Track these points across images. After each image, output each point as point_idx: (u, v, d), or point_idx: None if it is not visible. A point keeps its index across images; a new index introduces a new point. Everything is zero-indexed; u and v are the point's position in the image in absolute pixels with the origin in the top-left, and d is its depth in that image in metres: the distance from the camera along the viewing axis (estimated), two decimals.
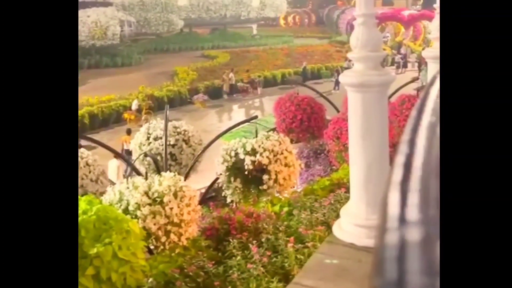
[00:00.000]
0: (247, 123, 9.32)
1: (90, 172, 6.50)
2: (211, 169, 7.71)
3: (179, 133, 8.14)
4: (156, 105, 19.11)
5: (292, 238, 4.79)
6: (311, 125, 9.82)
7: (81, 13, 29.83)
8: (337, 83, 23.44)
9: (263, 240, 4.83)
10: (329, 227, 5.12)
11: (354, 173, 4.80)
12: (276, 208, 5.95)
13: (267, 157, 6.62)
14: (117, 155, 7.27)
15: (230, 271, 4.27)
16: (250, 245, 4.61)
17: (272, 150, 6.68)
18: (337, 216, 5.30)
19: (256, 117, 7.89)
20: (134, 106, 18.19)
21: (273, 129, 9.43)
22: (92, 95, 20.10)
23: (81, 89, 24.10)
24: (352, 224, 4.69)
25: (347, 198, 5.56)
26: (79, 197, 4.47)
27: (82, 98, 19.46)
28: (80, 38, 29.51)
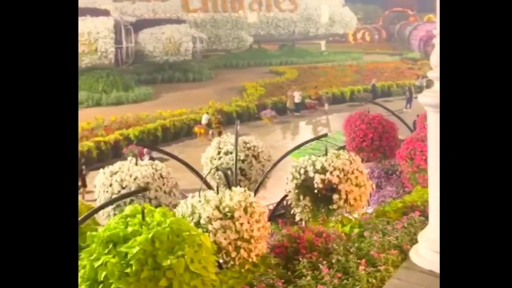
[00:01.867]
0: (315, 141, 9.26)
1: (164, 184, 6.70)
2: (279, 186, 7.70)
3: (249, 149, 8.22)
4: (225, 120, 19.46)
5: (363, 260, 4.67)
6: (382, 144, 9.59)
7: (156, 30, 31.10)
8: (408, 101, 22.78)
9: (333, 261, 4.74)
10: (402, 251, 4.95)
11: (433, 197, 4.62)
12: (346, 228, 5.83)
13: (338, 176, 6.53)
14: (189, 168, 7.44)
15: None
16: (321, 266, 4.54)
17: (343, 169, 6.58)
18: (411, 240, 5.11)
19: (326, 135, 7.81)
20: (204, 121, 18.63)
21: (342, 147, 9.30)
22: (165, 108, 20.81)
23: (154, 103, 25.06)
24: (431, 251, 4.50)
25: (422, 222, 5.36)
26: (153, 208, 4.61)
27: (156, 111, 20.19)
28: (154, 54, 30.73)
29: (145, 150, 13.08)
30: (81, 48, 26.08)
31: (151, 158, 11.57)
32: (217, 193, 5.48)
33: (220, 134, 14.52)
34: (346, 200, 6.50)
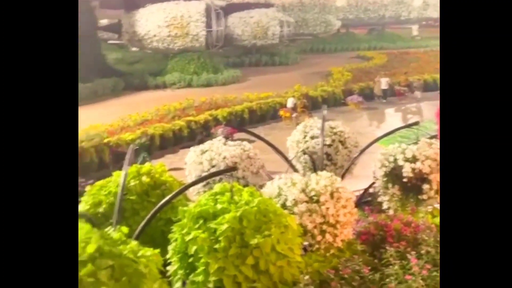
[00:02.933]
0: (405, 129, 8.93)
1: (251, 164, 6.83)
2: (365, 173, 7.54)
3: (335, 134, 8.12)
4: (311, 104, 19.35)
5: None
6: None
7: (245, 14, 31.42)
8: None
9: (422, 252, 4.59)
10: None
11: None
12: (437, 220, 5.61)
13: (429, 165, 6.27)
14: (275, 150, 7.50)
15: (387, 280, 4.14)
16: (409, 256, 4.42)
17: (435, 159, 6.31)
18: None
19: (417, 123, 7.49)
20: (289, 104, 18.64)
21: (434, 137, 8.90)
22: (252, 91, 21.09)
23: (242, 85, 25.48)
24: None
25: None
26: (242, 187, 4.70)
27: (243, 94, 20.53)
28: (243, 37, 31.13)
29: (222, 131, 13.32)
30: (174, 31, 27.04)
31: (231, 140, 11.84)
32: (303, 176, 5.48)
33: (307, 116, 14.47)
34: (437, 191, 6.24)
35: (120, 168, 5.44)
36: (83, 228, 3.58)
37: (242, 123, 17.72)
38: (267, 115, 18.98)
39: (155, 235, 4.92)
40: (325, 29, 40.18)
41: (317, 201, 5.09)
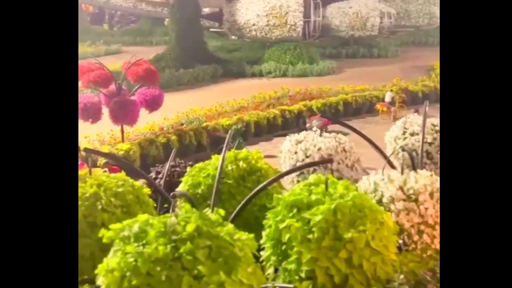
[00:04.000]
0: None
1: (346, 158, 6.72)
2: None
3: (437, 132, 7.74)
4: (410, 99, 18.60)
5: None
6: None
7: (344, 4, 30.77)
8: None
9: None
10: None
11: None
12: None
13: None
14: (373, 145, 7.31)
15: None
16: None
17: None
18: None
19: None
20: (387, 98, 18.04)
21: None
22: (347, 83, 20.70)
23: (337, 77, 25.11)
24: None
25: None
26: (336, 180, 4.65)
27: (338, 85, 20.23)
28: (340, 28, 30.57)
29: (317, 122, 13.20)
30: (272, 21, 27.26)
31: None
32: (402, 173, 5.30)
33: (404, 112, 13.94)
34: None
35: (217, 152, 5.61)
36: (183, 207, 3.74)
37: (336, 115, 17.47)
38: (362, 108, 18.53)
39: (249, 219, 5.03)
40: (429, 21, 38.20)
41: (415, 200, 4.90)
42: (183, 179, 5.57)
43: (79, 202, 4.38)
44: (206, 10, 34.91)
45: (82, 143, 11.92)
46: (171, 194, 3.93)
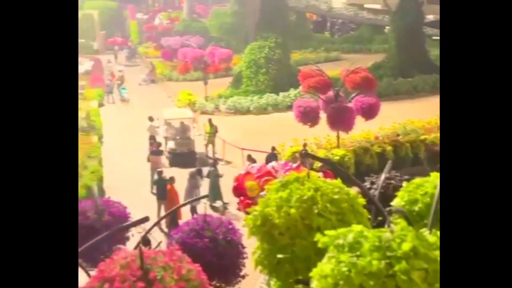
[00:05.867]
0: None
1: None
2: None
3: None
4: None
5: None
6: None
7: None
8: None
9: None
10: None
11: None
12: None
13: None
14: None
15: None
16: None
17: None
18: None
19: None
20: None
21: None
22: None
23: None
24: None
25: None
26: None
27: None
28: None
29: None
30: None
31: None
32: None
33: None
34: None
35: (437, 170, 5.31)
36: (399, 223, 3.64)
37: None
38: None
39: None
40: None
41: None
42: (399, 194, 5.42)
43: (297, 204, 4.62)
44: (429, 17, 33.40)
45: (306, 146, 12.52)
46: (387, 209, 3.88)
